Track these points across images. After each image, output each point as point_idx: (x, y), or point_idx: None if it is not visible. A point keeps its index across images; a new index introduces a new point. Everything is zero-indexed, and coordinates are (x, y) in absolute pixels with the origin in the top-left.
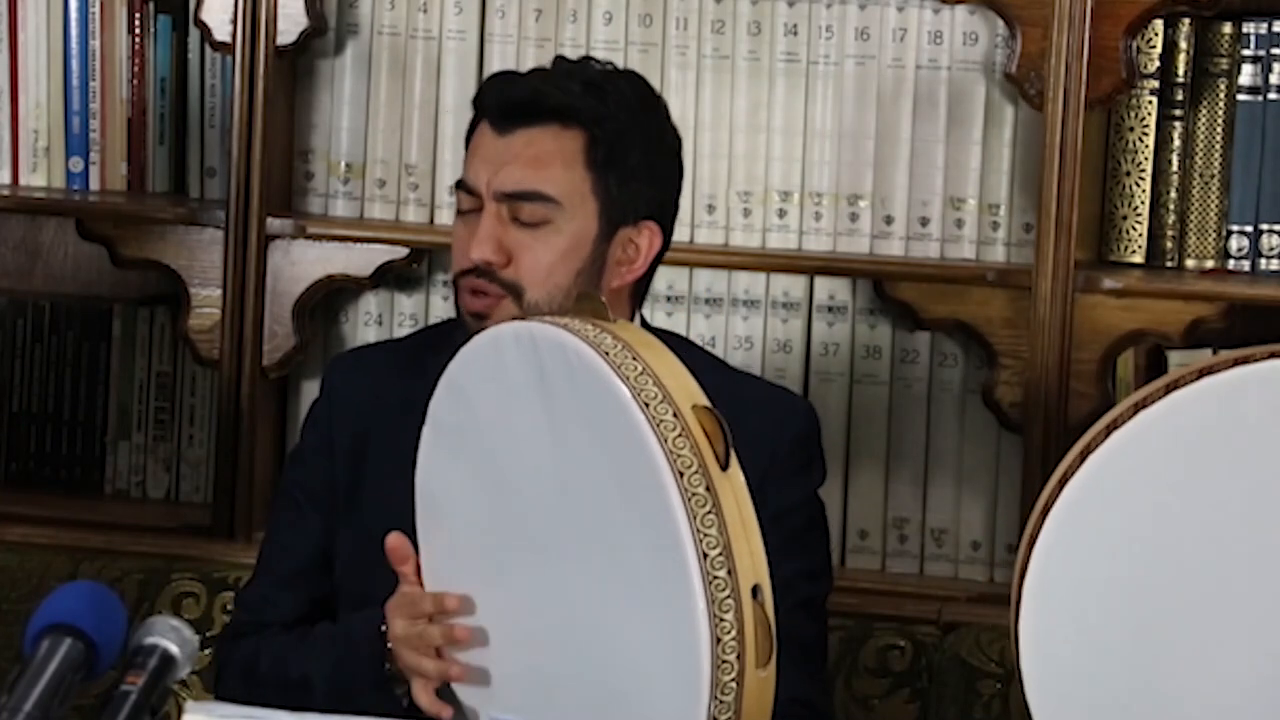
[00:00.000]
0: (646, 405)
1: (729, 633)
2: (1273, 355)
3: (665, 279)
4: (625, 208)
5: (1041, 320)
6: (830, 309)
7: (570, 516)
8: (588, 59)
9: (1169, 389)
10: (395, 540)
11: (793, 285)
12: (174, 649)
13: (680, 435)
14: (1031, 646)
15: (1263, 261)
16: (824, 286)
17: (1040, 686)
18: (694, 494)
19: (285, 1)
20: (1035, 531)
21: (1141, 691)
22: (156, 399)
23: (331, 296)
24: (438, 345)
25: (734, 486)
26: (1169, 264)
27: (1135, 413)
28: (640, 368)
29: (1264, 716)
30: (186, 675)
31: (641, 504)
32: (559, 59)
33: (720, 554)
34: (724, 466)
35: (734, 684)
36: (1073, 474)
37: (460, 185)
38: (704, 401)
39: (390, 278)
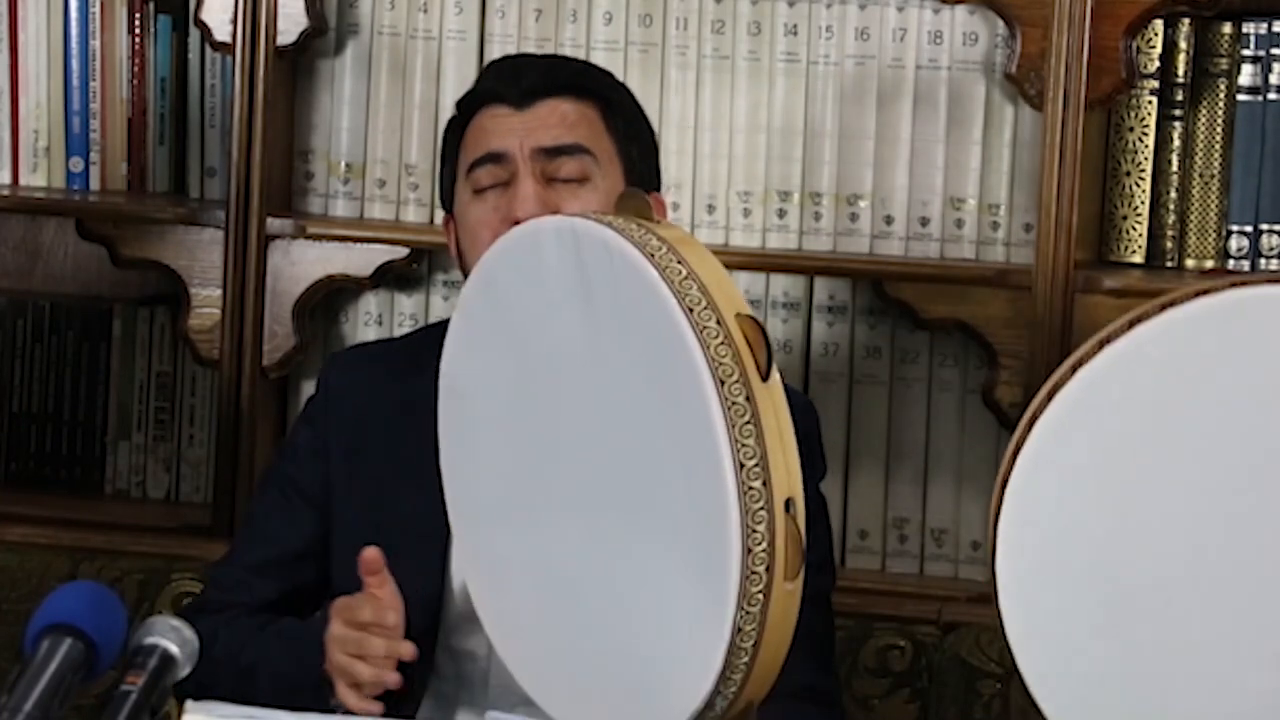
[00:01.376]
0: (690, 311)
1: (760, 544)
2: (1271, 280)
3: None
4: (645, 177)
5: (1041, 320)
6: (830, 309)
7: (603, 417)
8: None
9: (1164, 307)
10: (371, 553)
11: (793, 285)
12: (174, 649)
13: (723, 343)
14: (1010, 586)
15: (1263, 261)
16: (824, 286)
17: (1021, 627)
18: (734, 403)
19: (285, 1)
20: (1007, 472)
21: (1117, 626)
22: (156, 399)
23: (331, 296)
24: (437, 345)
25: (774, 398)
26: (1169, 264)
27: (1129, 329)
28: (685, 272)
29: (1244, 645)
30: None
31: (679, 409)
32: (536, 55)
33: (757, 464)
34: (765, 377)
35: (761, 595)
36: (1061, 386)
37: (481, 161)
38: (747, 310)
39: (390, 278)
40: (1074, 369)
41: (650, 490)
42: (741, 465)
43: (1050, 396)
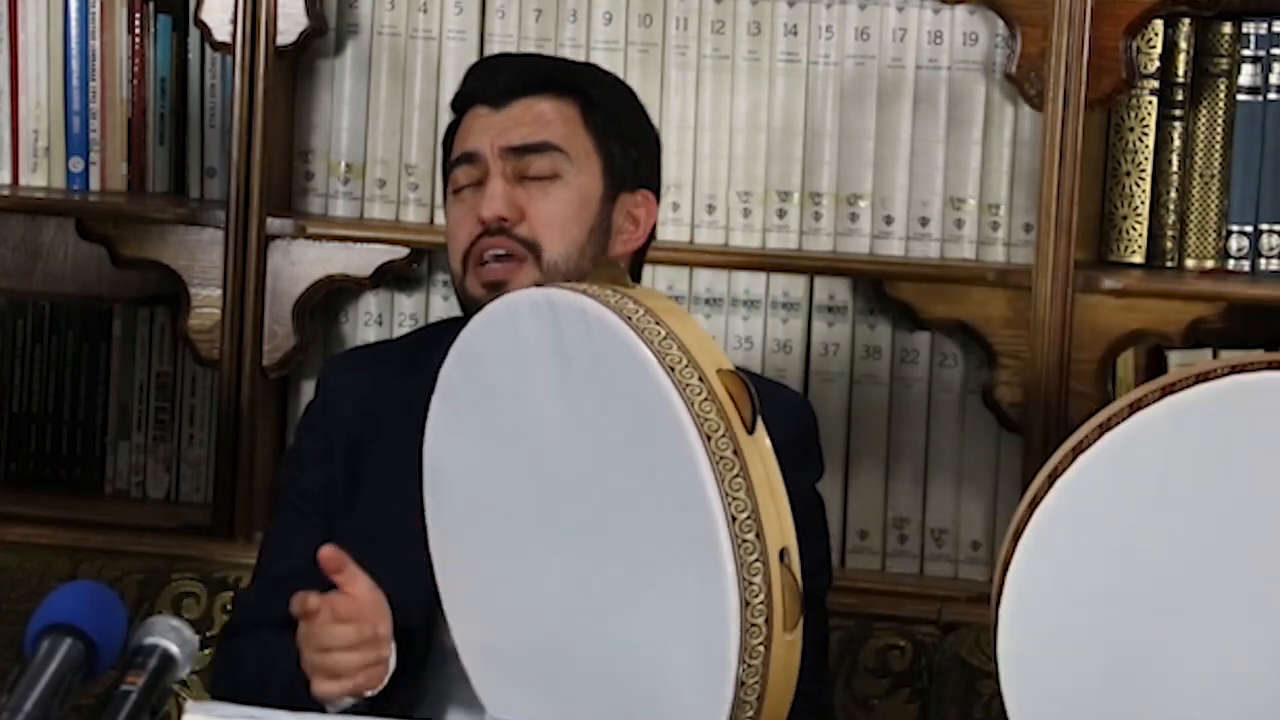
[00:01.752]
0: (672, 370)
1: (757, 596)
2: (1270, 366)
3: (665, 279)
4: (626, 172)
5: (1041, 320)
6: (830, 309)
7: (590, 485)
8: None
9: (1164, 392)
10: (327, 551)
11: (793, 285)
12: (174, 649)
13: (706, 399)
14: (1010, 641)
15: (1263, 261)
16: (824, 286)
17: (1016, 684)
18: (722, 457)
19: (285, 1)
20: (1021, 526)
21: (1118, 695)
22: (156, 399)
23: (331, 296)
24: (436, 345)
25: (760, 450)
26: (1169, 264)
27: (1130, 414)
28: (664, 332)
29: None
30: (186, 675)
31: (667, 469)
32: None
33: (749, 517)
34: (750, 430)
35: (762, 648)
36: (1062, 472)
37: (457, 162)
38: (729, 365)
39: (390, 278)
40: (1074, 454)
41: (645, 552)
42: (734, 519)
43: (1052, 480)
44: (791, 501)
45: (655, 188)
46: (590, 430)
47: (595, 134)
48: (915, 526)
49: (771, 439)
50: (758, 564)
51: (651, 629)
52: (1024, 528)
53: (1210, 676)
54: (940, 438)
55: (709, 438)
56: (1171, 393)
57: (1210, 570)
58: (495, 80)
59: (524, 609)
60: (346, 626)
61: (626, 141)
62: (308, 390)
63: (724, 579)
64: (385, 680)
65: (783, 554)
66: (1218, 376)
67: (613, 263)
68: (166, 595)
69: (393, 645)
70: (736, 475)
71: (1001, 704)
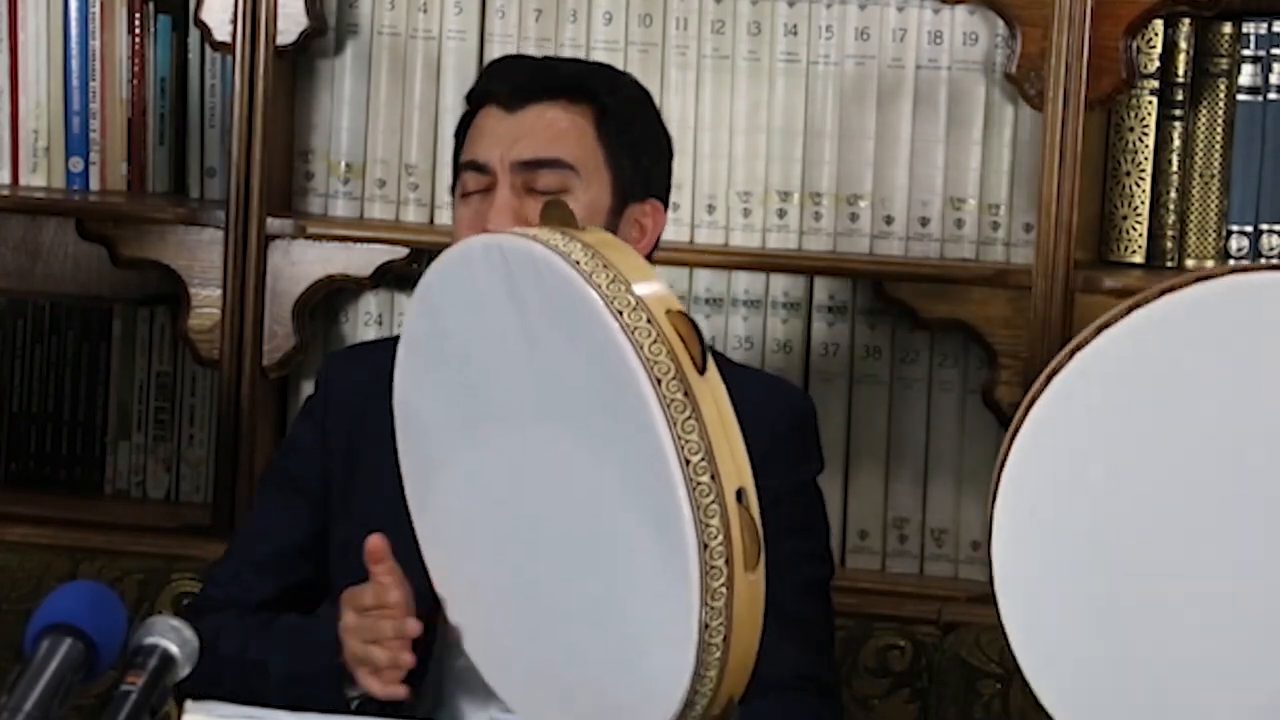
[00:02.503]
0: (620, 313)
1: (715, 538)
2: (1232, 272)
3: (665, 279)
4: (635, 184)
5: (1041, 320)
6: (830, 309)
7: (549, 432)
8: (571, 58)
9: (1130, 309)
10: (375, 541)
11: (793, 285)
12: (174, 649)
13: (656, 341)
14: (1007, 572)
15: (1263, 261)
16: (824, 286)
17: (1018, 613)
18: (673, 400)
19: (285, 1)
20: (1005, 455)
21: (1115, 611)
22: (156, 399)
23: (331, 296)
24: None
25: (713, 389)
26: (1169, 264)
27: (1098, 333)
28: (612, 275)
29: (1241, 625)
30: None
31: (621, 412)
32: (549, 56)
33: (703, 459)
34: (701, 370)
35: (724, 589)
36: (1039, 396)
37: (466, 167)
38: (678, 306)
39: (390, 278)
40: (1072, 353)
41: (605, 496)
42: (688, 461)
43: (1049, 379)
44: (792, 492)
45: (664, 196)
46: (547, 376)
47: (607, 146)
48: (915, 526)
49: (772, 432)
50: (714, 505)
51: (616, 574)
52: (1020, 426)
53: (1210, 576)
54: (940, 438)
55: (659, 380)
56: (1170, 292)
57: (1208, 471)
58: (510, 82)
59: (497, 555)
60: (386, 621)
61: (638, 152)
62: (308, 390)
63: (680, 521)
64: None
65: (740, 494)
66: (1217, 277)
67: (560, 203)
68: (166, 595)
69: (419, 625)
70: (689, 417)
71: (1003, 703)
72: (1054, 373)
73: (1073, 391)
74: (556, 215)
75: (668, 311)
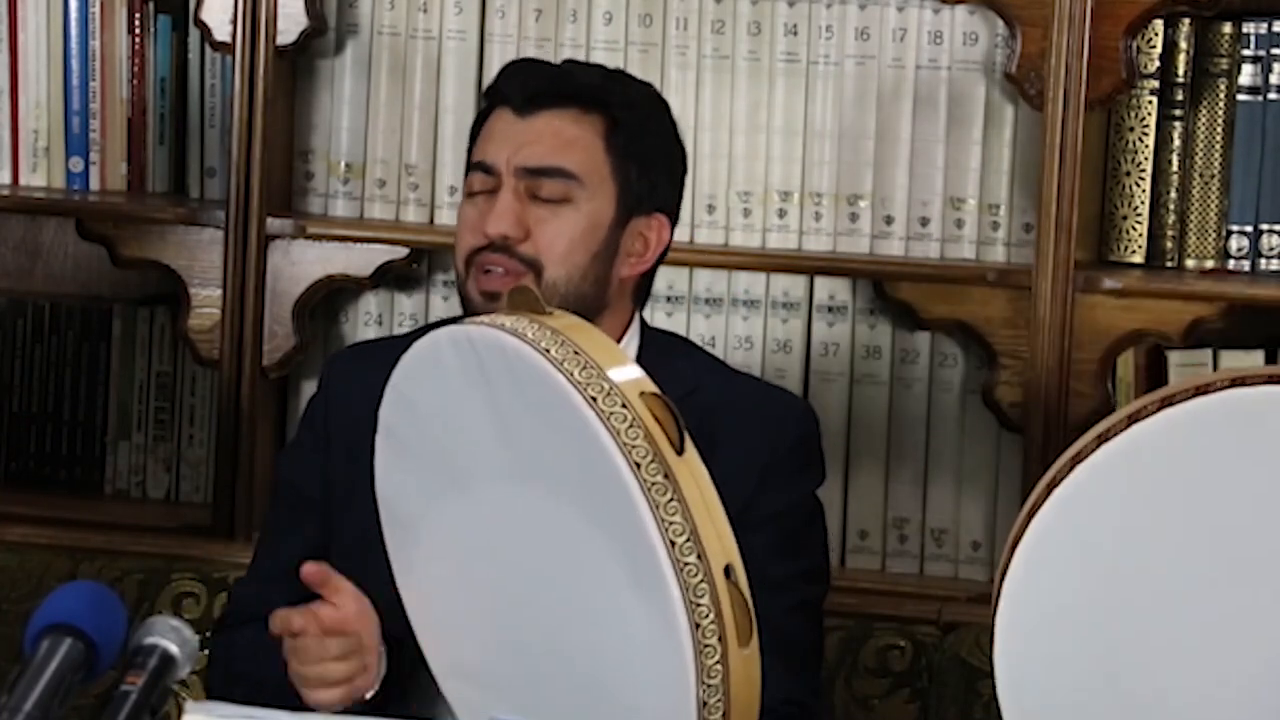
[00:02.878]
0: (594, 400)
1: (706, 616)
2: (1270, 380)
3: (665, 279)
4: (641, 197)
5: (1041, 320)
6: (830, 309)
7: (532, 518)
8: (592, 63)
9: (1163, 404)
10: (309, 568)
11: (793, 285)
12: (174, 649)
13: (632, 425)
14: (1007, 649)
15: (1263, 261)
16: (824, 286)
17: (1012, 690)
18: (653, 483)
19: (285, 1)
20: (1019, 535)
21: (1114, 706)
22: (156, 399)
23: (331, 296)
24: None
25: (692, 469)
26: (1169, 264)
27: (1128, 425)
28: (583, 362)
29: None
30: (186, 675)
31: (603, 499)
32: (570, 60)
33: (688, 540)
34: (679, 451)
35: (719, 666)
36: (1060, 481)
37: (474, 167)
38: (652, 388)
39: (390, 278)
40: (1073, 464)
41: (594, 582)
42: (673, 543)
43: (1050, 489)
44: (792, 508)
45: (672, 210)
46: (526, 465)
47: (615, 157)
48: (915, 526)
49: (774, 445)
50: (703, 585)
51: (612, 656)
52: (1022, 536)
53: (1205, 688)
54: (940, 438)
55: (638, 465)
56: (1170, 404)
57: (1206, 582)
58: (524, 86)
59: (493, 642)
60: (333, 639)
61: (646, 165)
62: (307, 390)
63: (670, 603)
64: (376, 684)
65: (728, 570)
66: (1216, 389)
67: (525, 289)
68: (166, 595)
69: (382, 650)
70: (671, 499)
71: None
72: (1055, 482)
73: (1073, 505)
74: (523, 301)
75: (641, 394)
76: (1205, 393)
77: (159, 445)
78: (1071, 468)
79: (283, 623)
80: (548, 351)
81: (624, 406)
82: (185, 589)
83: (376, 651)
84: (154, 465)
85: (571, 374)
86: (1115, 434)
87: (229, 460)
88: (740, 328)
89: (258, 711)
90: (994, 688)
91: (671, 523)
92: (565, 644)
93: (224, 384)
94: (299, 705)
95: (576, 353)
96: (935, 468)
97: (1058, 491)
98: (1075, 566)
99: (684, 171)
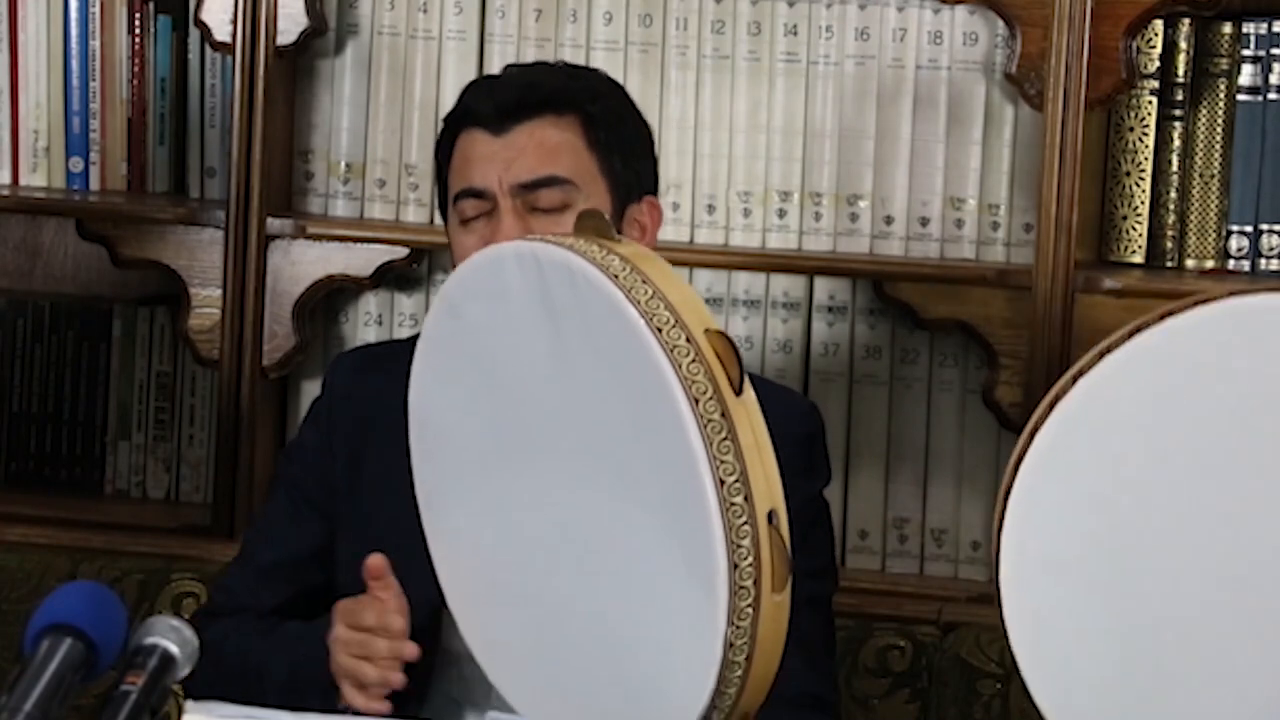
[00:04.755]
0: (659, 330)
1: (746, 558)
2: (1231, 295)
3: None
4: (631, 185)
5: (1041, 320)
6: (830, 309)
7: (578, 443)
8: (540, 63)
9: (1132, 333)
10: (375, 559)
11: (793, 285)
12: (174, 649)
13: (694, 360)
14: (1013, 595)
15: (1263, 261)
16: (824, 286)
17: (1025, 636)
18: (709, 420)
19: (285, 1)
20: (1022, 452)
21: (1120, 617)
22: (156, 399)
23: (331, 296)
24: None
25: (749, 411)
26: (1169, 264)
27: (1100, 358)
28: (651, 291)
29: (1247, 652)
30: (195, 679)
31: (655, 430)
32: (511, 66)
33: (737, 480)
34: (738, 391)
35: (750, 609)
36: (1042, 423)
37: (463, 195)
38: (715, 325)
39: (390, 278)
40: (1075, 379)
41: (634, 513)
42: (722, 482)
43: (1051, 406)
44: (798, 507)
45: (655, 189)
46: (577, 388)
47: (599, 153)
48: (915, 526)
49: (779, 444)
50: (746, 526)
51: (642, 590)
52: (1025, 453)
53: (1211, 592)
54: (940, 438)
55: (697, 400)
56: (1171, 316)
57: (1209, 494)
58: (493, 103)
59: (515, 566)
60: (381, 640)
61: (628, 153)
62: (308, 390)
63: (712, 541)
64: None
65: (771, 515)
66: (1216, 300)
67: (596, 213)
68: (166, 595)
69: (416, 649)
70: (725, 438)
71: (1003, 703)
72: (1056, 399)
73: (1076, 418)
74: (592, 224)
75: (706, 331)
76: (1206, 304)
77: (159, 445)
78: (1073, 383)
79: (351, 613)
80: (616, 277)
81: (688, 341)
82: (185, 589)
83: (399, 669)
84: (154, 465)
85: (638, 301)
86: (1116, 346)
87: (229, 460)
88: (740, 328)
89: (258, 711)
90: (999, 608)
91: (723, 461)
92: (594, 573)
93: (224, 384)
94: (295, 701)
95: (644, 281)
96: (935, 468)
97: (1060, 407)
98: (1079, 483)
99: (653, 148)
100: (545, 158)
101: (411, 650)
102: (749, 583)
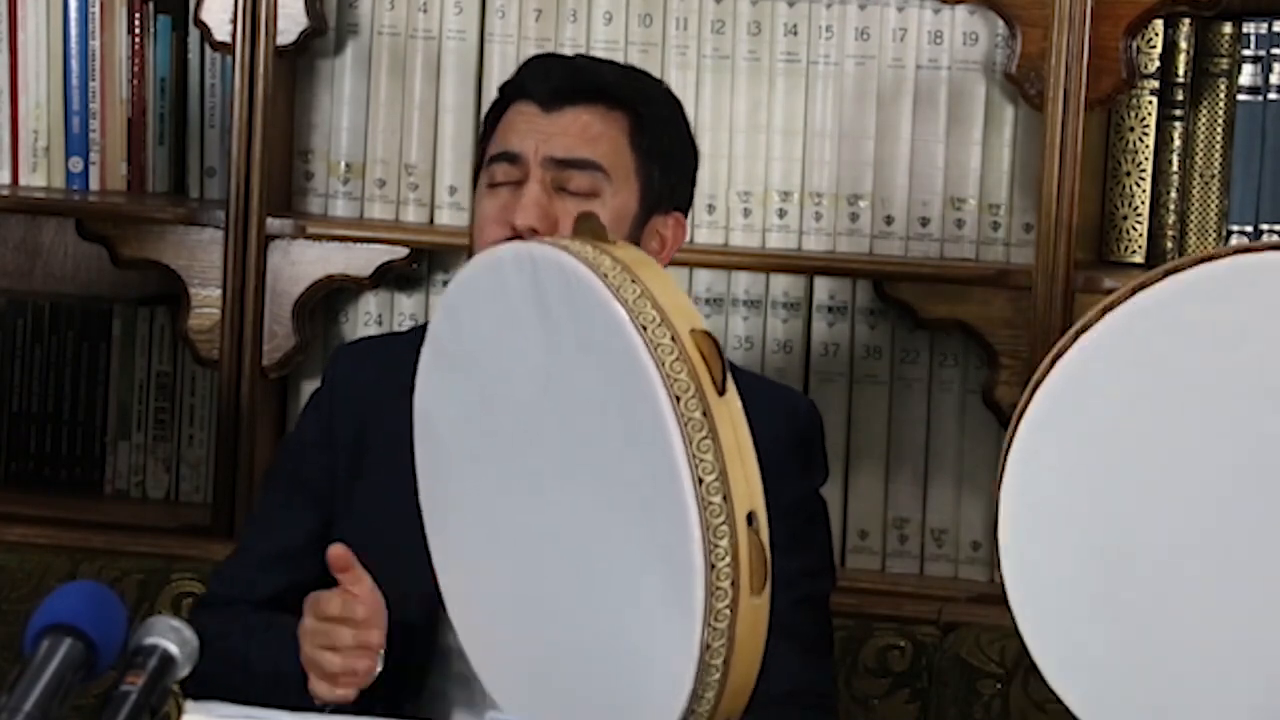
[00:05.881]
0: (644, 328)
1: (723, 559)
2: (1235, 253)
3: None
4: (662, 195)
5: (1041, 320)
6: (830, 309)
7: (565, 439)
8: (608, 60)
9: (1134, 290)
10: (336, 550)
11: (793, 285)
12: (174, 649)
13: (678, 359)
14: (1013, 551)
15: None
16: (824, 286)
17: (1022, 589)
18: (690, 419)
19: (285, 1)
20: (1024, 406)
21: (1118, 593)
22: (156, 399)
23: (331, 296)
24: None
25: (731, 412)
26: None
27: (1102, 315)
28: (639, 290)
29: (1245, 614)
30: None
31: (637, 428)
32: (583, 56)
33: (716, 479)
34: (721, 391)
35: (728, 611)
36: (1044, 379)
37: (497, 158)
38: (702, 325)
39: (390, 278)
40: (1077, 335)
41: (617, 511)
42: (700, 480)
43: (1053, 363)
44: (795, 504)
45: (687, 209)
46: (568, 386)
47: (639, 155)
48: (915, 526)
49: (777, 442)
50: (724, 526)
51: (623, 589)
52: (1027, 407)
53: (1211, 553)
54: (940, 438)
55: (678, 398)
56: (1175, 273)
57: (1212, 452)
58: (549, 82)
59: (506, 561)
60: (346, 630)
61: (668, 164)
62: (307, 390)
63: (689, 541)
64: (367, 681)
65: (750, 517)
66: (1220, 258)
67: (592, 215)
68: (166, 595)
69: (380, 654)
70: (705, 437)
71: (1003, 703)
72: (1058, 356)
73: (1077, 374)
74: (588, 228)
75: (691, 330)
76: (1210, 261)
77: (159, 445)
78: (1076, 338)
79: (317, 604)
80: (605, 276)
81: (672, 339)
82: (185, 589)
83: (376, 656)
84: (154, 465)
85: (625, 300)
86: (1119, 303)
87: (229, 460)
88: (740, 328)
89: (258, 711)
90: (998, 564)
91: (702, 460)
92: (577, 573)
93: (224, 384)
94: (292, 696)
95: (633, 280)
96: (935, 468)
97: (1063, 361)
98: (1081, 437)
99: (697, 170)
100: (586, 141)
101: (376, 638)
102: (726, 584)
